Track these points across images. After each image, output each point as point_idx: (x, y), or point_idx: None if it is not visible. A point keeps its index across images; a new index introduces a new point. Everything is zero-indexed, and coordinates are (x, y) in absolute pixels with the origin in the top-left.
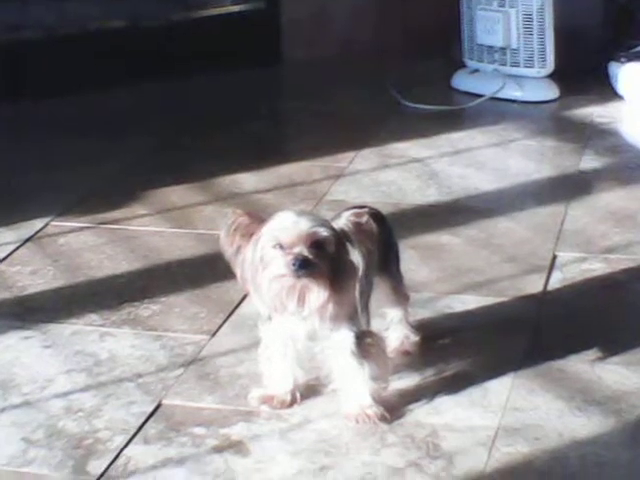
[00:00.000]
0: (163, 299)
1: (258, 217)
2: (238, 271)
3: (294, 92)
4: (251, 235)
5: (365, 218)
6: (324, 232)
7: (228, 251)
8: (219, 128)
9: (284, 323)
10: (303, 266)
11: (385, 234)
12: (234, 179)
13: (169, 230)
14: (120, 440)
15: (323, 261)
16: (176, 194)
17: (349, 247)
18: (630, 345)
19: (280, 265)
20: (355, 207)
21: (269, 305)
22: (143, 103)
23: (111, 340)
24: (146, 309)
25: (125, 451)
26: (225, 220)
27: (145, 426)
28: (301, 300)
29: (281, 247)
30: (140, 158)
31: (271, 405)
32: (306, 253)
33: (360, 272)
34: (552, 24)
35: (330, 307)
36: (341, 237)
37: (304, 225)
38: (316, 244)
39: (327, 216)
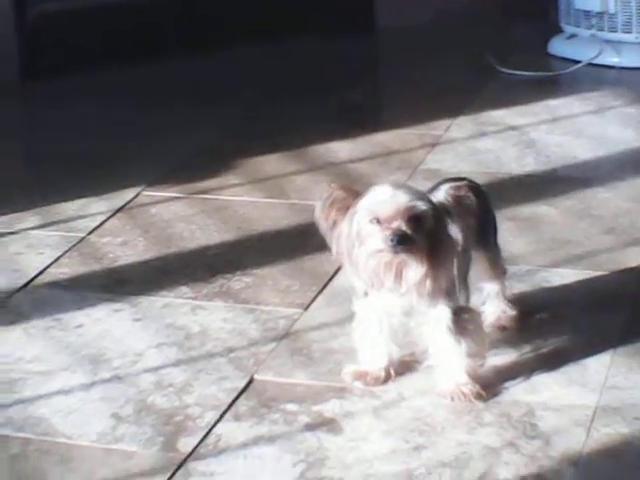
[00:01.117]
0: (255, 271)
1: (354, 191)
2: (334, 246)
3: (389, 60)
4: (347, 209)
5: (465, 191)
6: (422, 206)
7: (323, 226)
8: (313, 96)
9: (380, 299)
10: (401, 241)
11: (483, 207)
12: (328, 147)
13: (262, 200)
14: (211, 417)
15: (421, 236)
16: (269, 163)
17: (448, 221)
18: None
19: (378, 240)
20: (453, 179)
21: (366, 281)
22: (235, 70)
23: (203, 313)
24: (238, 281)
25: (215, 428)
26: (320, 194)
27: (236, 402)
28: (398, 276)
29: (378, 222)
30: (232, 126)
31: (365, 381)
32: (404, 228)
33: (459, 247)
34: None
35: (428, 283)
36: (440, 211)
37: (402, 199)
38: (414, 218)
39: (423, 186)
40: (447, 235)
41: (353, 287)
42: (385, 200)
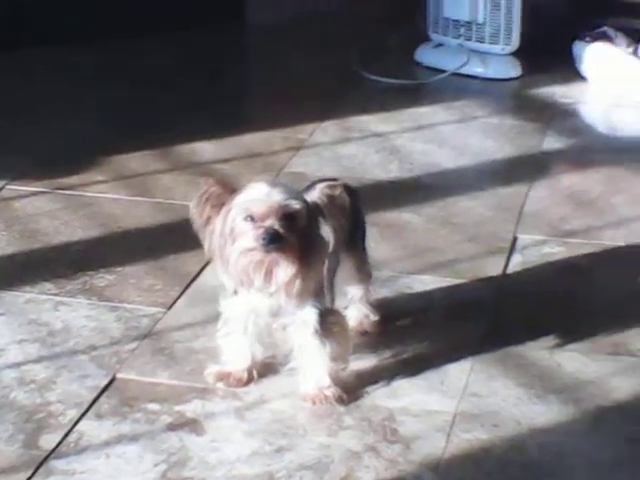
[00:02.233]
0: (119, 269)
1: (230, 187)
2: (206, 243)
3: (255, 58)
4: (222, 206)
5: (339, 191)
6: (296, 205)
7: (197, 222)
8: (179, 92)
9: (249, 298)
10: (273, 240)
11: (355, 208)
12: (193, 147)
13: (126, 198)
14: (73, 414)
15: (293, 235)
16: (134, 161)
17: (321, 221)
18: (589, 333)
19: (250, 238)
20: (327, 179)
21: (236, 279)
22: (103, 63)
23: (65, 310)
24: (102, 279)
25: (78, 426)
26: (196, 189)
27: (98, 400)
28: (268, 275)
29: (252, 219)
30: (97, 121)
31: (227, 382)
32: (277, 227)
33: (330, 248)
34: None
35: (297, 283)
36: (313, 210)
37: (276, 197)
38: (287, 217)
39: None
40: (319, 235)
41: (222, 285)
42: (259, 198)
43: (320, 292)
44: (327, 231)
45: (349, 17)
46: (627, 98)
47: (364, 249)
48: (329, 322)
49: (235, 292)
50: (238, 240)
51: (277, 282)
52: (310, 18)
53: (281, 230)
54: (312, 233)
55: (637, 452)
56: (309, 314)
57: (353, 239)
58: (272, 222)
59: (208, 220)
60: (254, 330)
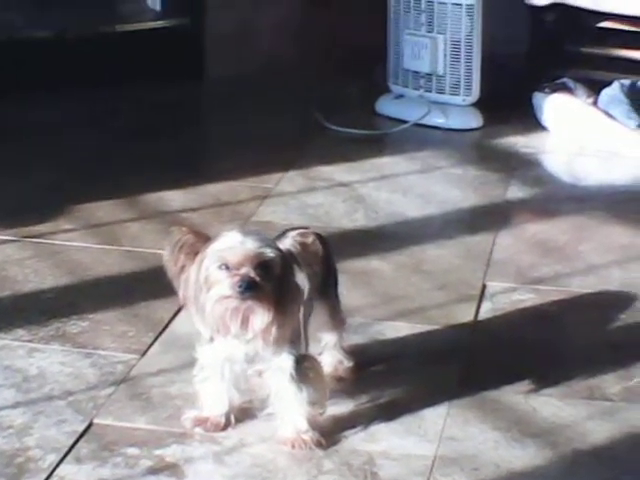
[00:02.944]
0: (91, 316)
1: (204, 235)
2: (181, 291)
3: (218, 109)
4: (196, 254)
5: (311, 238)
6: (271, 253)
7: (172, 270)
8: (145, 144)
9: (225, 345)
10: (249, 288)
11: (326, 255)
12: (160, 196)
13: (95, 246)
14: (52, 459)
15: (269, 283)
16: (102, 209)
17: (295, 269)
18: (563, 377)
19: (225, 286)
20: (298, 227)
21: (212, 327)
22: (66, 115)
23: (40, 356)
24: (74, 326)
25: (57, 470)
26: (169, 237)
27: (77, 445)
28: (245, 322)
29: (227, 267)
30: (64, 171)
31: (205, 427)
32: (252, 274)
33: (305, 295)
34: (480, 51)
35: (274, 330)
36: (287, 258)
37: (251, 245)
38: (262, 265)
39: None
40: (294, 283)
41: (197, 332)
42: (234, 246)
43: (296, 338)
44: (301, 278)
45: (309, 69)
46: (588, 148)
47: (337, 296)
48: (305, 368)
49: (211, 339)
50: (213, 288)
51: (254, 329)
52: (270, 69)
53: (257, 278)
54: (287, 280)
55: None
56: (285, 360)
57: (326, 286)
58: (247, 270)
59: (182, 268)
60: (230, 376)
